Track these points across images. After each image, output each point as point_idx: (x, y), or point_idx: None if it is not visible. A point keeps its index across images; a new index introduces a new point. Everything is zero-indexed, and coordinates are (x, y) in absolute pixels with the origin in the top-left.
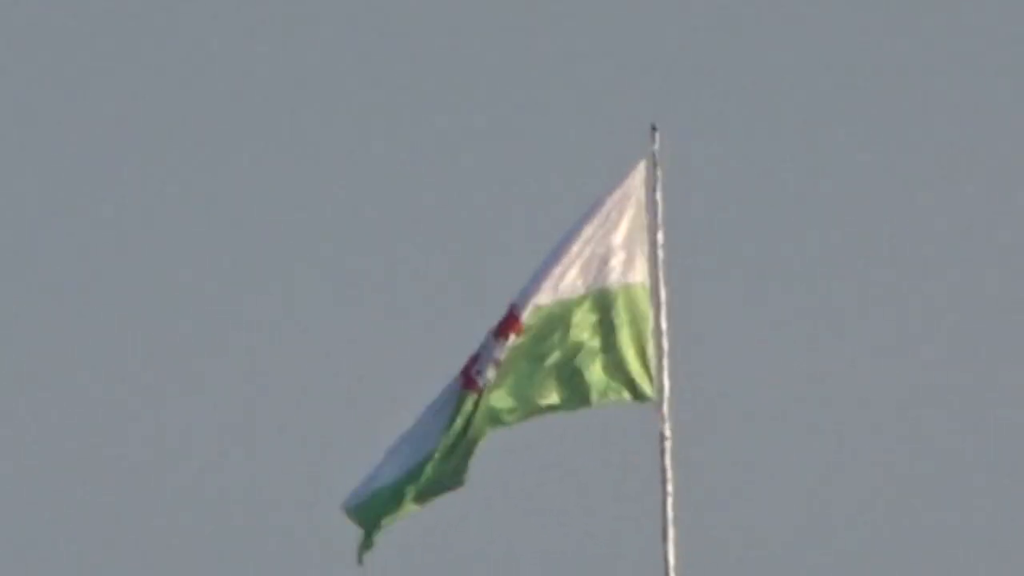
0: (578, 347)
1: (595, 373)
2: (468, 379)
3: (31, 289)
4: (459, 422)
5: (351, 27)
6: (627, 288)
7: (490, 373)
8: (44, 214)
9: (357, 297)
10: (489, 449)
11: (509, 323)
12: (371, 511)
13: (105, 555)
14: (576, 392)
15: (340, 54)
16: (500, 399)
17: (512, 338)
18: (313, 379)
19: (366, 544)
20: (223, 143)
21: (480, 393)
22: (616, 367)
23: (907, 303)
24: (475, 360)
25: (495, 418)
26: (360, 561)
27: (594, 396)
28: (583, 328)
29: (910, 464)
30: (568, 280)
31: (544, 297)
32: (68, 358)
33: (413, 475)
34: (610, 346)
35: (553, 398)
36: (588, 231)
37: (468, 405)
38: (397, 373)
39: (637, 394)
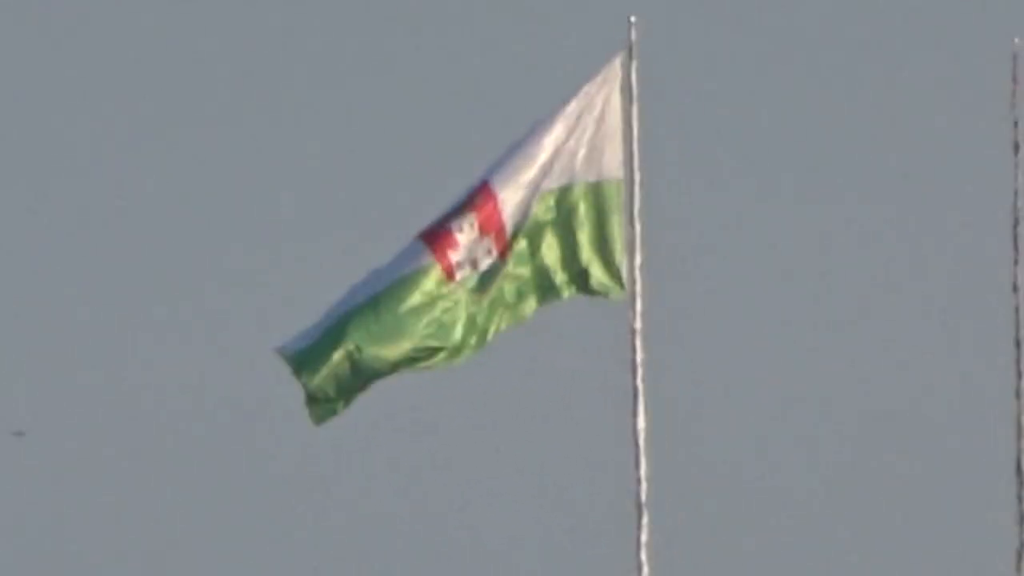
0: (571, 238)
1: (584, 263)
2: (443, 256)
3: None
4: (417, 297)
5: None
6: (604, 182)
7: (468, 272)
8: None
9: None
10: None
11: (491, 215)
12: (303, 356)
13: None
14: (551, 287)
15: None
16: (487, 322)
17: (496, 256)
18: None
19: (315, 400)
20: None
21: (452, 281)
22: (597, 258)
23: (891, 205)
24: (449, 239)
25: (480, 339)
26: (316, 422)
27: (568, 288)
28: (577, 218)
29: (886, 373)
30: (546, 174)
31: (525, 192)
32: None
33: (341, 320)
34: (600, 238)
35: (532, 304)
36: (562, 123)
37: (430, 283)
38: None
39: (611, 286)
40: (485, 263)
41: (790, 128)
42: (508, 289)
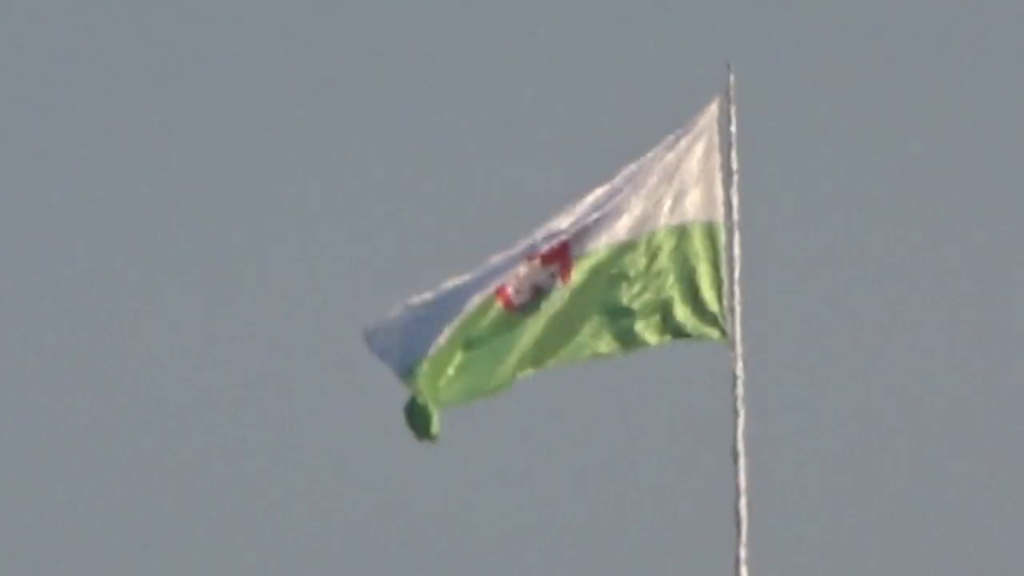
0: (658, 283)
1: (676, 309)
2: (502, 292)
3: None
4: (483, 325)
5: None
6: (702, 225)
7: (528, 296)
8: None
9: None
10: (559, 383)
11: (558, 252)
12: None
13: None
14: (658, 329)
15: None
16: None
17: (559, 280)
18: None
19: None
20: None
21: (513, 310)
22: (693, 305)
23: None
24: (509, 278)
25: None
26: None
27: (672, 332)
28: (654, 267)
29: (966, 417)
30: (630, 221)
31: (605, 238)
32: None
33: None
34: (686, 284)
35: (607, 345)
36: (659, 169)
37: (493, 313)
38: None
39: (713, 333)
40: (548, 287)
41: (881, 171)
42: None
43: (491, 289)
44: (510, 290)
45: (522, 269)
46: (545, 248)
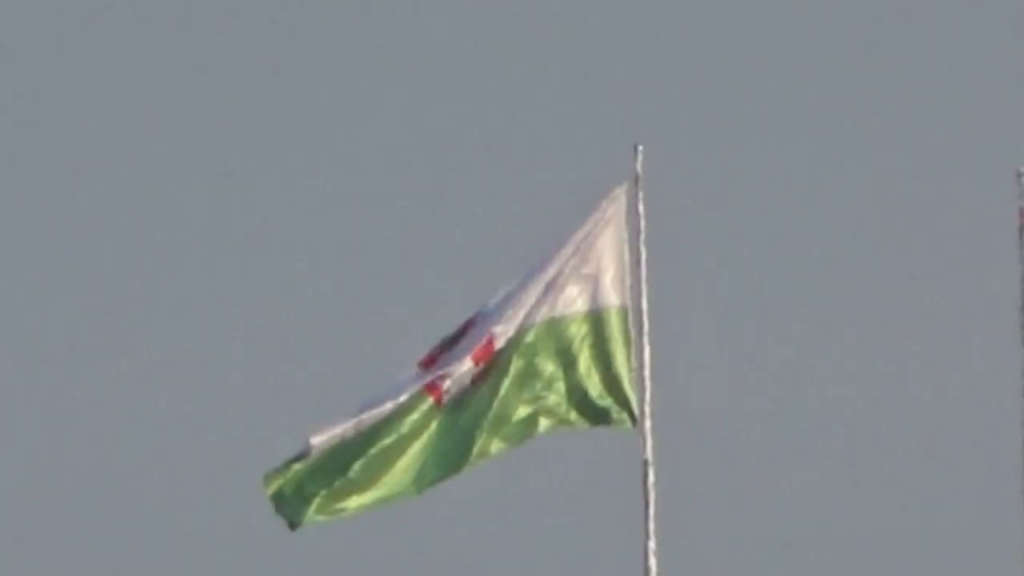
0: (556, 374)
1: (589, 394)
2: (433, 386)
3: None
4: (408, 422)
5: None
6: (608, 311)
7: (455, 391)
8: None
9: (338, 294)
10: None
11: (485, 349)
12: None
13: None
14: (567, 414)
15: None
16: (488, 432)
17: (481, 366)
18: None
19: (293, 511)
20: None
21: (440, 404)
22: (604, 390)
23: (888, 319)
24: (441, 373)
25: (483, 451)
26: (292, 527)
27: (584, 419)
28: (560, 352)
29: (905, 487)
30: (544, 305)
31: (519, 322)
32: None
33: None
34: (593, 369)
35: (539, 427)
36: (566, 253)
37: (423, 408)
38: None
39: (621, 419)
40: (464, 383)
41: (795, 260)
42: (509, 405)
43: (422, 383)
44: (443, 385)
45: (462, 367)
46: (478, 347)
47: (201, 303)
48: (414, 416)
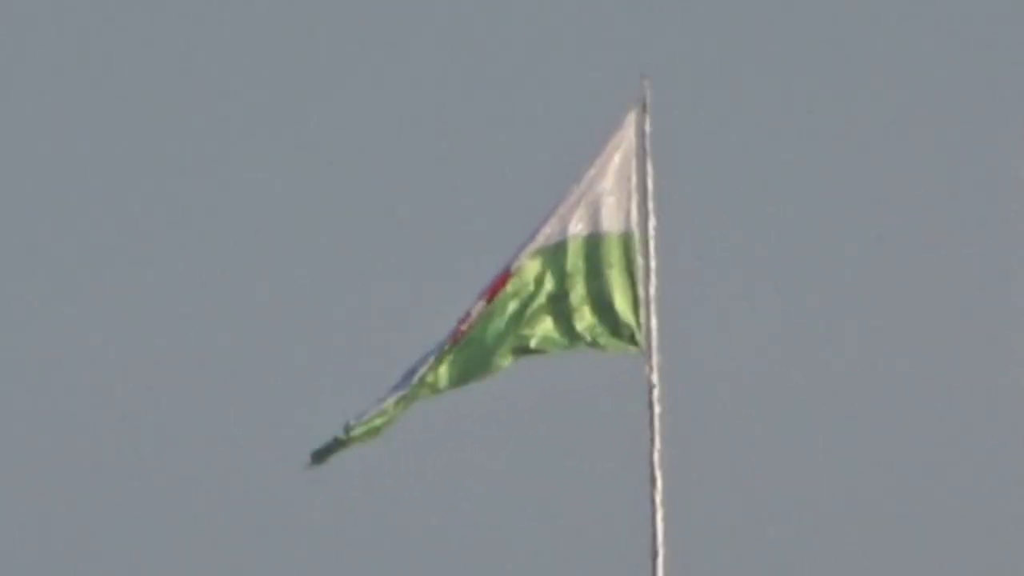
0: (564, 293)
1: (584, 318)
2: (455, 334)
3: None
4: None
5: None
6: (616, 236)
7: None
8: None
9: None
10: (476, 395)
11: (499, 282)
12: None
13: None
14: (564, 335)
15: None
16: (483, 337)
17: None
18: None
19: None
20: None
21: (457, 344)
22: (605, 313)
23: (895, 247)
24: (462, 317)
25: (484, 361)
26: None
27: (582, 341)
28: (569, 274)
29: (904, 437)
30: (555, 227)
31: (532, 246)
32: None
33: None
34: (598, 292)
35: (539, 339)
36: (580, 180)
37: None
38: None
39: (626, 342)
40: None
41: (801, 189)
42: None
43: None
44: (463, 327)
45: (476, 309)
46: (492, 286)
47: (201, 303)
48: (441, 368)
